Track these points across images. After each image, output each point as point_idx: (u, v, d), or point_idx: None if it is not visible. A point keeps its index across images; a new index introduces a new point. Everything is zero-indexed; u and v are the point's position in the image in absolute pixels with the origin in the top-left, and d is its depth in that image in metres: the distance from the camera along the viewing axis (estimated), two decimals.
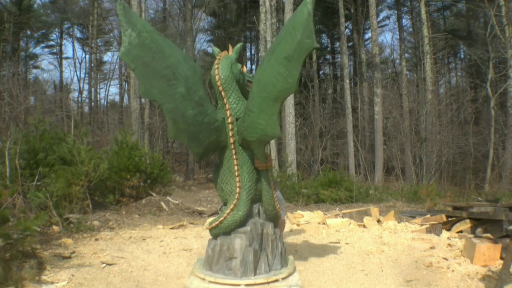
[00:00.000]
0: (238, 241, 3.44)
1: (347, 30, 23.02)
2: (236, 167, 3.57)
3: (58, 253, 4.41)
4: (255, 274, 3.37)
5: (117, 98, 31.03)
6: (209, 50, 28.11)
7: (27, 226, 3.73)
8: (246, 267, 3.37)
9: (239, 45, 3.77)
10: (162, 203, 8.22)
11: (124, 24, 3.08)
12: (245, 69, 3.94)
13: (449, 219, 6.05)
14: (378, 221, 6.83)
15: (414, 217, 7.34)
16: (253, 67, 26.57)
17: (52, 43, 28.12)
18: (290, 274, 3.48)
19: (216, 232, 3.60)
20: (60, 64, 28.16)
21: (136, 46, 3.10)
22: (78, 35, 28.82)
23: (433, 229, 5.99)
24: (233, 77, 3.58)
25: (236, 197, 3.55)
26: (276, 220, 3.80)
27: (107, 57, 52.24)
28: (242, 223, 3.58)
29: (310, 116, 20.17)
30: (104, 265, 4.16)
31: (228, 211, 3.54)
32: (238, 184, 3.55)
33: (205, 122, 3.39)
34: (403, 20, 24.07)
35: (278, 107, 3.07)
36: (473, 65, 21.83)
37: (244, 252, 3.41)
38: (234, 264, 3.40)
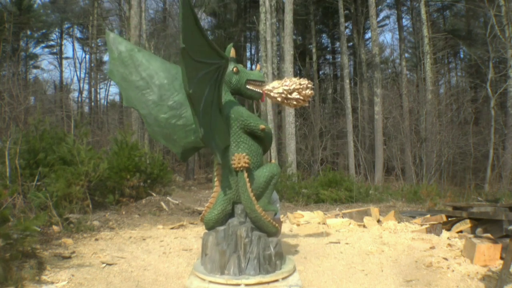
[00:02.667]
0: (210, 239, 3.56)
1: (347, 30, 23.03)
2: (216, 166, 3.67)
3: (58, 253, 4.41)
4: (221, 273, 3.41)
5: (117, 98, 31.05)
6: None
7: (27, 226, 3.73)
8: (214, 265, 3.46)
9: (228, 46, 3.81)
10: (162, 203, 8.22)
11: (110, 48, 3.86)
12: (258, 68, 3.98)
13: (449, 219, 6.05)
14: (378, 221, 6.83)
15: (414, 217, 7.34)
16: (253, 67, 26.58)
17: (52, 43, 28.17)
18: (260, 283, 3.37)
19: (205, 227, 3.82)
20: (60, 64, 28.20)
21: (118, 64, 3.81)
22: (78, 35, 28.86)
23: (433, 229, 5.99)
24: None
25: (212, 195, 3.69)
26: (259, 224, 3.59)
27: (107, 57, 52.21)
28: (219, 221, 3.65)
29: (310, 116, 20.17)
30: (104, 265, 4.16)
31: (205, 208, 3.70)
32: (216, 183, 3.66)
33: (179, 124, 3.72)
34: (403, 20, 24.10)
35: (193, 110, 3.15)
36: (473, 65, 21.84)
37: (212, 250, 3.53)
38: (206, 260, 3.55)
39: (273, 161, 4.00)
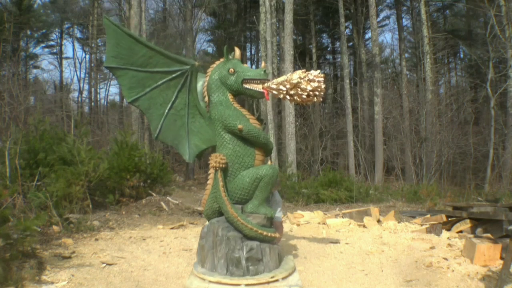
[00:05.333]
0: (200, 233, 3.76)
1: (347, 30, 23.02)
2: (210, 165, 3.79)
3: (58, 253, 4.41)
4: (202, 267, 3.58)
5: (117, 98, 31.05)
6: (209, 50, 28.19)
7: (27, 226, 3.73)
8: (199, 258, 3.67)
9: (224, 48, 3.81)
10: (162, 203, 8.22)
11: None
12: (263, 65, 3.91)
13: (449, 219, 6.05)
14: (378, 221, 6.83)
15: (414, 217, 7.34)
16: (253, 67, 26.58)
17: (52, 43, 28.15)
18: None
19: None
20: (60, 64, 28.18)
21: None
22: (78, 35, 28.84)
23: (433, 229, 5.99)
24: (217, 80, 3.75)
25: (205, 192, 3.79)
26: (234, 226, 3.52)
27: None
28: (210, 217, 3.79)
29: (310, 116, 20.17)
30: (104, 265, 4.16)
31: (202, 206, 3.84)
32: (209, 181, 3.71)
33: (178, 125, 3.94)
34: (403, 20, 24.09)
35: (149, 114, 3.78)
36: (473, 65, 21.83)
37: (198, 243, 3.74)
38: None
39: (269, 162, 3.90)
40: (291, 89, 3.59)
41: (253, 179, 3.55)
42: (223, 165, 3.53)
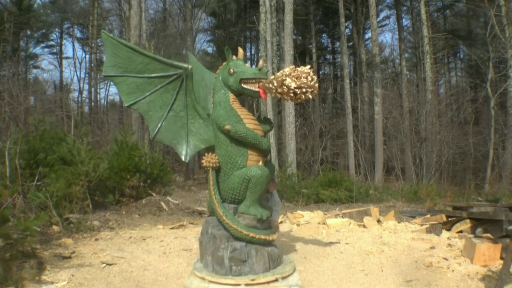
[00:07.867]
0: (201, 230, 3.90)
1: (347, 30, 23.02)
2: None
3: (58, 253, 4.41)
4: (200, 262, 3.73)
5: (117, 98, 31.04)
6: (209, 50, 28.18)
7: (27, 226, 3.74)
8: (199, 255, 3.83)
9: (225, 48, 3.81)
10: (162, 203, 8.22)
11: None
12: (261, 63, 3.87)
13: (449, 219, 6.05)
14: (378, 221, 6.82)
15: (414, 217, 7.34)
16: (253, 67, 26.55)
17: (52, 43, 28.20)
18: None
19: None
20: (60, 64, 28.22)
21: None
22: (78, 35, 28.88)
23: (433, 229, 5.99)
24: (221, 81, 3.80)
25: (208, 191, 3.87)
26: (222, 225, 3.56)
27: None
28: (210, 214, 3.91)
29: (310, 116, 20.18)
30: (104, 265, 4.16)
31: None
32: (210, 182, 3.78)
33: (178, 125, 4.09)
34: (403, 20, 24.10)
35: (146, 116, 4.01)
36: (473, 65, 21.84)
37: (197, 243, 3.91)
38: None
39: (260, 163, 3.64)
40: (279, 86, 3.41)
41: (242, 180, 3.53)
42: (214, 165, 3.62)
